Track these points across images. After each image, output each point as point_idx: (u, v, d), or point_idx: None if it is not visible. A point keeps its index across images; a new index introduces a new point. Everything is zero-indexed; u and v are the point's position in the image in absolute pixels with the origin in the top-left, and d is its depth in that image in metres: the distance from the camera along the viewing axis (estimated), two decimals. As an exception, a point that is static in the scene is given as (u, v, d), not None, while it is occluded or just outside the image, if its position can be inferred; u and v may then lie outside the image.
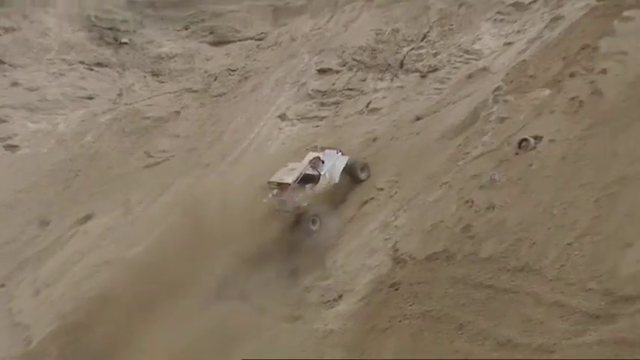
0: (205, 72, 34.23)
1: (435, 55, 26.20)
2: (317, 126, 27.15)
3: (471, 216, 14.47)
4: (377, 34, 29.07)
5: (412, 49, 27.41)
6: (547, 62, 18.17)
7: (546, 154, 14.45)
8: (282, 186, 19.88)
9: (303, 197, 19.70)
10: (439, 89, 24.28)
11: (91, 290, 20.52)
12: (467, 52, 25.06)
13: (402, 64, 27.26)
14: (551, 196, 12.98)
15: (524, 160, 14.80)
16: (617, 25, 17.15)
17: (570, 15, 20.90)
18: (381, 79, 27.16)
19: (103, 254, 23.35)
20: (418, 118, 22.89)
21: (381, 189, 19.66)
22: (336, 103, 27.69)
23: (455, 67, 24.84)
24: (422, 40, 27.47)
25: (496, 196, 14.35)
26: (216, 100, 32.46)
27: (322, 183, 20.21)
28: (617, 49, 15.93)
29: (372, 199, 19.50)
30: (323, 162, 20.61)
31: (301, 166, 20.33)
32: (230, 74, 33.47)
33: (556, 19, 21.68)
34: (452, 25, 26.97)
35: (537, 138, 15.15)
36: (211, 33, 36.15)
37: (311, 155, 20.93)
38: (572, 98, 15.44)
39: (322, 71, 29.54)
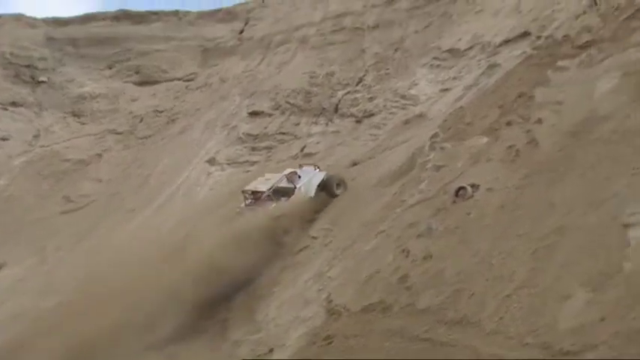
0: (130, 113, 34.01)
1: (370, 99, 26.70)
2: (248, 171, 27.19)
3: (408, 266, 14.58)
4: (311, 77, 29.49)
5: (347, 93, 27.89)
6: (484, 110, 18.71)
7: (484, 202, 14.74)
8: (256, 195, 20.43)
9: (276, 207, 20.09)
10: (375, 135, 24.71)
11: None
12: (403, 97, 25.65)
13: (337, 109, 27.69)
14: (489, 245, 13.22)
15: (462, 209, 15.04)
16: (551, 74, 17.87)
17: (506, 63, 21.69)
18: (316, 124, 27.47)
19: (14, 306, 22.58)
20: (354, 164, 23.22)
21: (315, 237, 19.73)
22: (269, 148, 27.84)
23: (391, 113, 25.38)
24: (357, 84, 28.00)
25: (433, 245, 14.53)
26: (142, 143, 32.22)
27: (297, 196, 20.65)
28: (552, 98, 16.54)
29: (306, 247, 19.52)
30: (299, 177, 21.17)
31: (277, 177, 20.97)
32: (157, 116, 33.36)
33: (492, 66, 22.47)
34: (388, 69, 27.60)
35: (475, 186, 15.42)
36: (137, 72, 36.06)
37: (288, 170, 21.51)
38: (509, 147, 15.88)
39: (254, 114, 29.74)
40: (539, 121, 16.07)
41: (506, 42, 23.51)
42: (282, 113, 29.03)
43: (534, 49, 20.86)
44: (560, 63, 18.40)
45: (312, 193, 21.06)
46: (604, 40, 18.28)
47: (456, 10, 28.23)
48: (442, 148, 18.13)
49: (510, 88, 19.05)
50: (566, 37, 20.00)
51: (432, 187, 16.80)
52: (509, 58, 22.13)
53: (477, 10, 27.34)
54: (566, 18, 21.64)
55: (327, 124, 27.24)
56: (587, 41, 18.75)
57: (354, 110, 26.94)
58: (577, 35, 19.70)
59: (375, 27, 30.31)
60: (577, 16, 20.90)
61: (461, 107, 20.18)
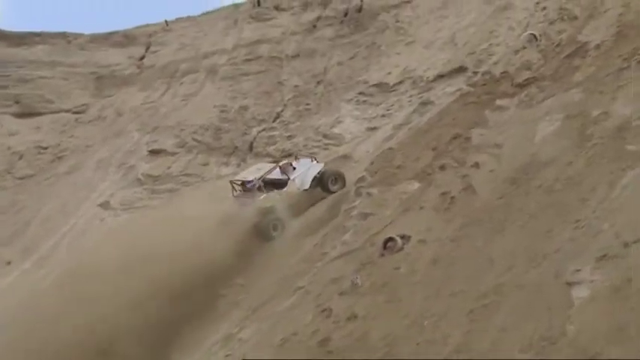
0: (8, 149, 33.27)
1: (289, 138, 26.88)
2: (147, 217, 26.84)
3: (330, 327, 14.57)
4: (222, 112, 29.55)
5: (263, 130, 28.03)
6: (416, 152, 19.06)
7: (415, 256, 14.89)
8: (245, 185, 21.45)
9: (266, 198, 20.98)
10: (294, 178, 24.81)
11: None
12: (326, 136, 25.90)
13: (251, 147, 27.77)
14: (420, 305, 13.34)
15: (391, 263, 15.15)
16: (489, 114, 18.42)
17: (440, 100, 22.25)
18: (227, 164, 27.46)
19: None
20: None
21: (223, 295, 19.58)
22: (172, 191, 27.60)
23: (312, 153, 25.55)
24: (274, 121, 28.18)
25: (358, 304, 14.58)
26: (21, 184, 31.52)
27: (290, 188, 21.49)
28: (490, 141, 17.01)
29: (213, 306, 19.35)
30: (294, 168, 21.92)
31: (268, 168, 21.99)
32: (40, 153, 32.73)
33: (425, 103, 23.01)
34: (309, 104, 27.89)
35: (405, 237, 15.56)
36: (16, 102, 35.40)
37: (283, 162, 22.52)
38: (444, 193, 16.18)
39: (155, 152, 29.52)
40: (477, 165, 16.47)
41: (440, 77, 24.15)
42: (188, 152, 28.92)
43: (470, 85, 21.53)
44: (498, 102, 18.99)
45: (307, 185, 21.79)
46: (545, 79, 19.02)
47: (385, 40, 28.87)
48: (369, 194, 18.33)
49: (444, 129, 19.48)
50: (504, 73, 20.72)
51: (357, 238, 16.90)
52: (444, 94, 22.71)
53: (407, 41, 28.03)
54: (504, 53, 22.44)
55: (239, 165, 27.25)
56: (527, 79, 19.49)
57: (270, 149, 27.06)
58: (516, 72, 20.44)
59: (295, 57, 30.68)
60: (516, 52, 21.72)
61: (390, 148, 20.50)
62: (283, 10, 33.89)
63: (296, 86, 28.97)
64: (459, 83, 22.54)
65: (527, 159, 15.41)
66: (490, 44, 23.77)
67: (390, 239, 15.68)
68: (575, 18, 21.98)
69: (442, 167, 17.32)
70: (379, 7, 30.58)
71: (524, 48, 21.83)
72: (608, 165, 13.12)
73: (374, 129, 24.70)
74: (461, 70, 23.63)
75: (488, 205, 14.84)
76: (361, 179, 19.25)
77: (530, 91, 18.58)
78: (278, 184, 21.63)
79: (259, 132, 28.10)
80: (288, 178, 21.64)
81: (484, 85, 21.21)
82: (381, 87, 26.29)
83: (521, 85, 19.31)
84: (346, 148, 24.62)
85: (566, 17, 22.32)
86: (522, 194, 14.35)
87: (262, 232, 20.69)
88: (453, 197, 15.91)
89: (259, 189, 21.36)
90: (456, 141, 18.10)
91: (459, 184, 16.22)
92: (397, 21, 29.37)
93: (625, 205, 11.39)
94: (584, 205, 12.34)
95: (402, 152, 19.70)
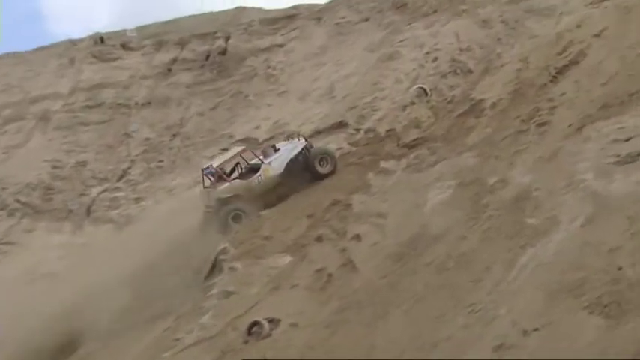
0: None
1: (136, 200, 26.70)
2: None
3: None
4: (54, 168, 29.12)
5: (105, 190, 27.76)
6: (288, 220, 19.30)
7: (285, 343, 14.98)
8: (217, 173, 21.58)
9: (225, 188, 21.23)
10: (140, 249, 24.60)
11: None
12: (182, 199, 25.87)
13: (89, 211, 27.37)
14: (289, 403, 13.44)
15: (256, 351, 15.20)
16: (372, 178, 18.87)
17: (317, 160, 22.64)
18: (58, 231, 26.95)
19: None
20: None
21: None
22: (-14, 263, 26.88)
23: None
24: (119, 180, 27.97)
25: (216, 403, 14.59)
26: None
27: (267, 173, 21.56)
28: (373, 209, 17.40)
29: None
30: (277, 149, 22.04)
31: (233, 152, 22.40)
32: None
33: (298, 163, 23.36)
34: (161, 161, 27.86)
35: (273, 321, 15.67)
36: None
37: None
38: (319, 270, 16.39)
39: (-32, 215, 28.75)
40: (358, 237, 16.78)
41: (317, 133, 24.55)
42: (10, 215, 28.31)
43: (352, 144, 22.06)
44: (383, 164, 19.51)
45: (281, 169, 21.70)
46: (436, 139, 19.70)
47: (253, 89, 29.25)
48: (232, 269, 18.39)
49: (321, 193, 19.84)
50: (390, 131, 21.35)
51: (217, 322, 16.89)
52: (320, 153, 23.12)
53: (279, 90, 28.49)
54: (390, 108, 23.09)
55: (74, 233, 26.83)
56: (415, 139, 20.15)
57: (113, 214, 26.79)
58: (404, 130, 21.11)
59: (146, 104, 30.68)
60: (404, 107, 22.42)
61: (258, 215, 20.69)
62: (132, 49, 33.88)
63: (146, 139, 28.90)
64: (339, 141, 22.97)
65: (415, 231, 15.79)
66: (374, 98, 24.35)
67: (256, 323, 15.76)
68: (470, 72, 22.95)
69: (318, 239, 17.57)
70: (246, 51, 31.04)
71: (413, 103, 22.56)
72: (505, 241, 13.56)
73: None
74: (341, 126, 24.09)
75: (370, 284, 15.09)
76: (223, 251, 19.30)
77: (419, 153, 19.15)
78: (257, 169, 21.78)
79: (100, 193, 27.80)
80: (262, 162, 21.74)
81: (367, 144, 21.79)
82: (249, 143, 26.49)
83: (410, 146, 19.94)
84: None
85: (459, 70, 23.26)
86: (409, 273, 14.65)
87: (220, 224, 20.74)
88: (329, 274, 16.12)
89: (242, 176, 21.71)
90: (335, 208, 18.42)
91: (336, 259, 16.46)
92: (268, 67, 29.85)
93: (524, 288, 11.76)
94: (478, 287, 12.69)
95: (272, 220, 19.92)
